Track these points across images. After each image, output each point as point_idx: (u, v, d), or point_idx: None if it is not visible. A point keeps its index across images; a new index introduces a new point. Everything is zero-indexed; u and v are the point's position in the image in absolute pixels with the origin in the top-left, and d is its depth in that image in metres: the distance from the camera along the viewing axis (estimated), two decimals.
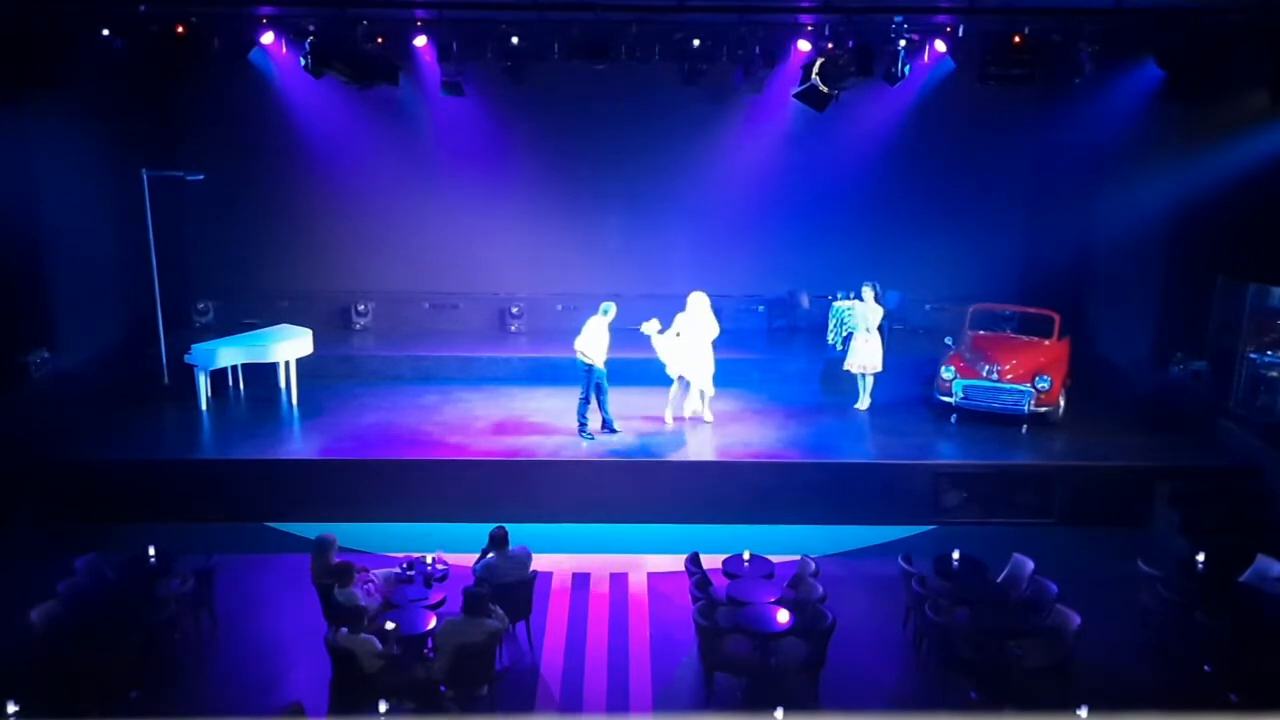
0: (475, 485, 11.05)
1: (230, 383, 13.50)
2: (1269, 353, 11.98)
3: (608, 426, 12.01)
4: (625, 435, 11.95)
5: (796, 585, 8.76)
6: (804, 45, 12.63)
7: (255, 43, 12.75)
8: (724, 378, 12.86)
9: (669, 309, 12.31)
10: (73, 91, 12.16)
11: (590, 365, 11.67)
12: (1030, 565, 8.84)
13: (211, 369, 12.75)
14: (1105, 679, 8.11)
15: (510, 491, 11.01)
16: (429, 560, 8.79)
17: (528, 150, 15.77)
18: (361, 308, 16.25)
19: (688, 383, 12.42)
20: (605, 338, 11.64)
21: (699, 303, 12.21)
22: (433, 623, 7.82)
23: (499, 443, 11.77)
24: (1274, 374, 11.85)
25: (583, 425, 11.91)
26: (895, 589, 9.22)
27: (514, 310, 16.36)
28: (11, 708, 6.67)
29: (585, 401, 11.89)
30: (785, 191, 16.03)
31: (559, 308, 16.03)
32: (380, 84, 12.90)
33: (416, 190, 15.98)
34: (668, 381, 12.46)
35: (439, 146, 15.81)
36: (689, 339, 12.15)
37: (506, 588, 8.41)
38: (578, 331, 11.73)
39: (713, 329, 12.23)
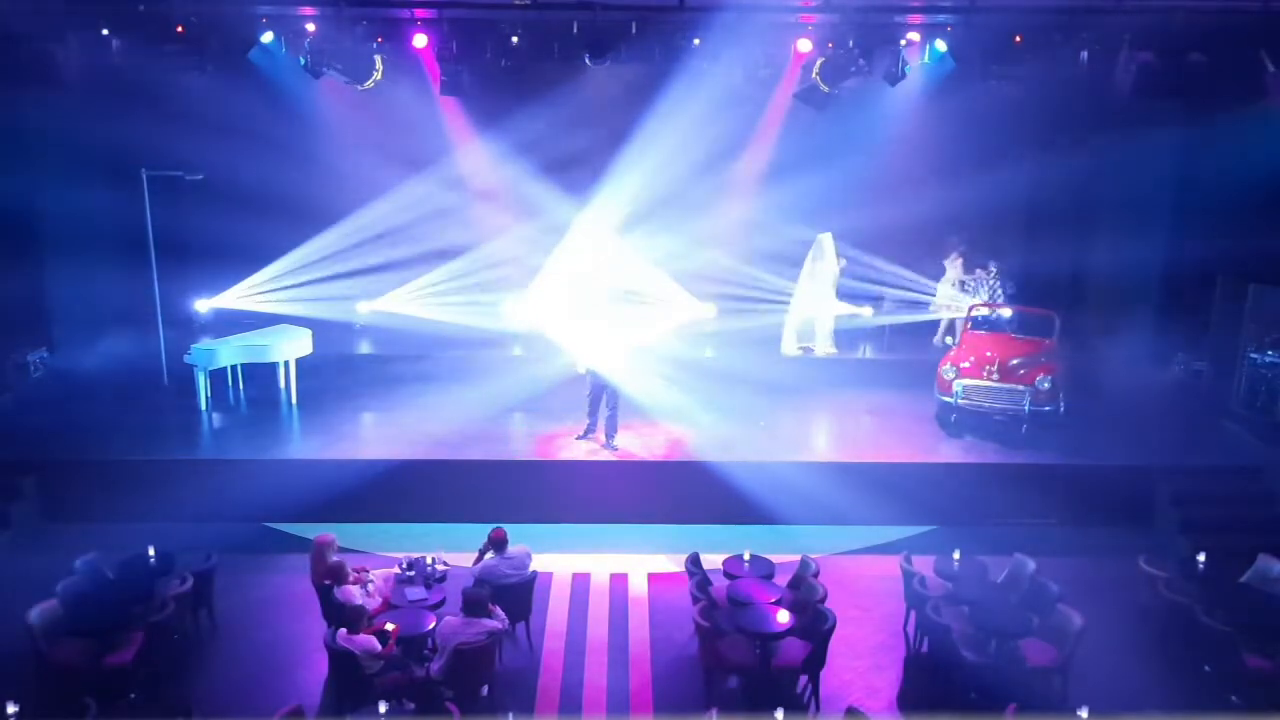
0: (475, 485, 11.04)
1: (230, 383, 13.49)
2: (1269, 353, 11.98)
3: (609, 441, 11.64)
4: (626, 435, 11.93)
5: (796, 585, 8.75)
6: (804, 45, 12.62)
7: (255, 42, 12.74)
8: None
9: None
10: (73, 91, 12.15)
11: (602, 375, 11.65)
12: (1030, 565, 8.85)
13: (211, 369, 12.75)
14: (1105, 679, 8.13)
15: (511, 492, 10.99)
16: (429, 560, 8.78)
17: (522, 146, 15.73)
18: (361, 308, 16.22)
19: None
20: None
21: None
22: (433, 623, 7.82)
23: (499, 443, 11.75)
24: (1274, 374, 11.85)
25: (591, 427, 11.82)
26: (895, 589, 9.22)
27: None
28: (11, 708, 6.67)
29: (597, 401, 11.79)
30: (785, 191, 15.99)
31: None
32: (379, 83, 12.89)
33: (415, 189, 15.94)
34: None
35: (437, 145, 15.77)
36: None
37: (506, 588, 8.41)
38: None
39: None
